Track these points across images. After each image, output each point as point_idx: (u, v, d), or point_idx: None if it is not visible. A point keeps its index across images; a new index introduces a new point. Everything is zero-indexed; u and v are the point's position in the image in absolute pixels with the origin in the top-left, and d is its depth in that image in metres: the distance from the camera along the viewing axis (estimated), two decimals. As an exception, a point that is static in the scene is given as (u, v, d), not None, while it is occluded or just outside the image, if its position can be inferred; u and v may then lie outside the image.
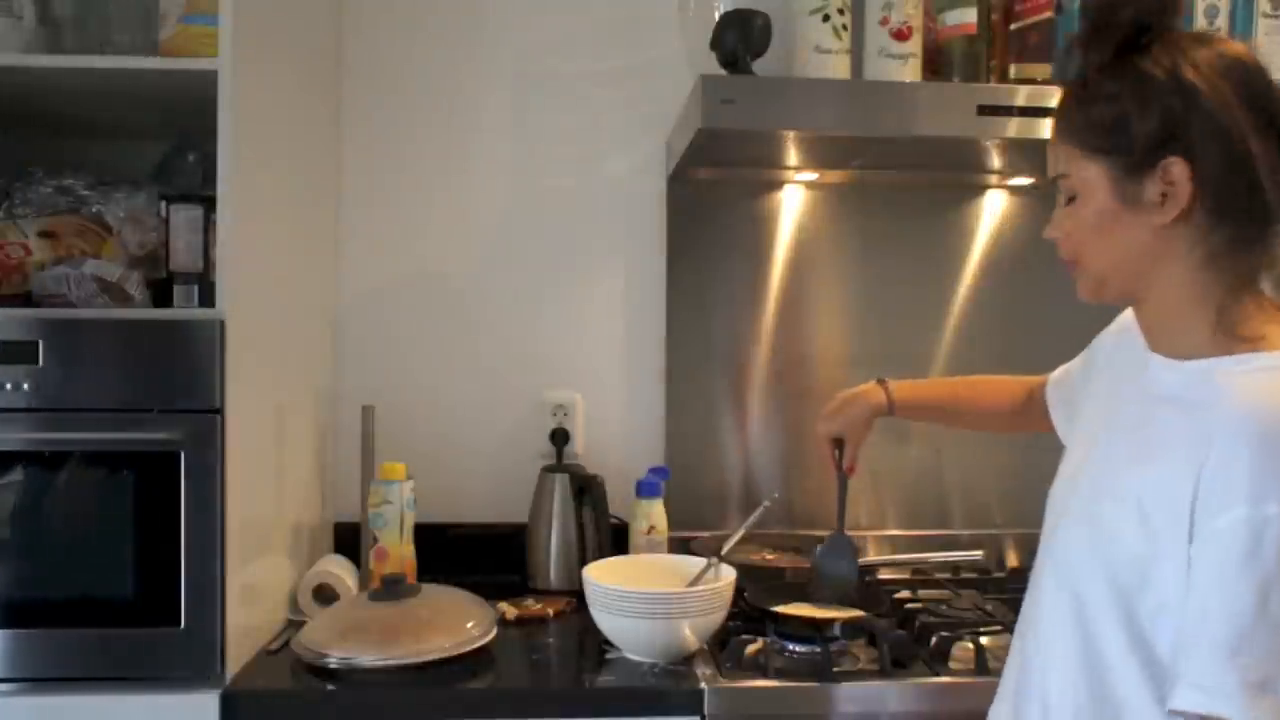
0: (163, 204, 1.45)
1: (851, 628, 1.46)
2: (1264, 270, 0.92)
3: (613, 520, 1.80)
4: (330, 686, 1.38)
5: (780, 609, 1.51)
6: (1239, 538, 0.80)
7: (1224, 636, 0.80)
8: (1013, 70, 1.66)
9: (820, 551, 1.56)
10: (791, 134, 1.59)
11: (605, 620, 1.47)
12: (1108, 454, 0.98)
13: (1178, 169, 0.88)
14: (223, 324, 1.33)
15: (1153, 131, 0.89)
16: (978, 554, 1.84)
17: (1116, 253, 0.94)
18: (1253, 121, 0.88)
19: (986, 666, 1.39)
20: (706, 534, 1.84)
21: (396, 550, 1.69)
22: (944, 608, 1.63)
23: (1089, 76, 0.93)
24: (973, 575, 1.82)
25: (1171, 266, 0.92)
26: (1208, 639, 0.81)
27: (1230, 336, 0.90)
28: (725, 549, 1.55)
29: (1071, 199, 0.96)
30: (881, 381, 1.43)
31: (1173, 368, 0.94)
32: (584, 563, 1.65)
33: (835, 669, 1.40)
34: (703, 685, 1.37)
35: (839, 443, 1.45)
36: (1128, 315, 1.05)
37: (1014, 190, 1.96)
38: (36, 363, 1.31)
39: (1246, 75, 0.89)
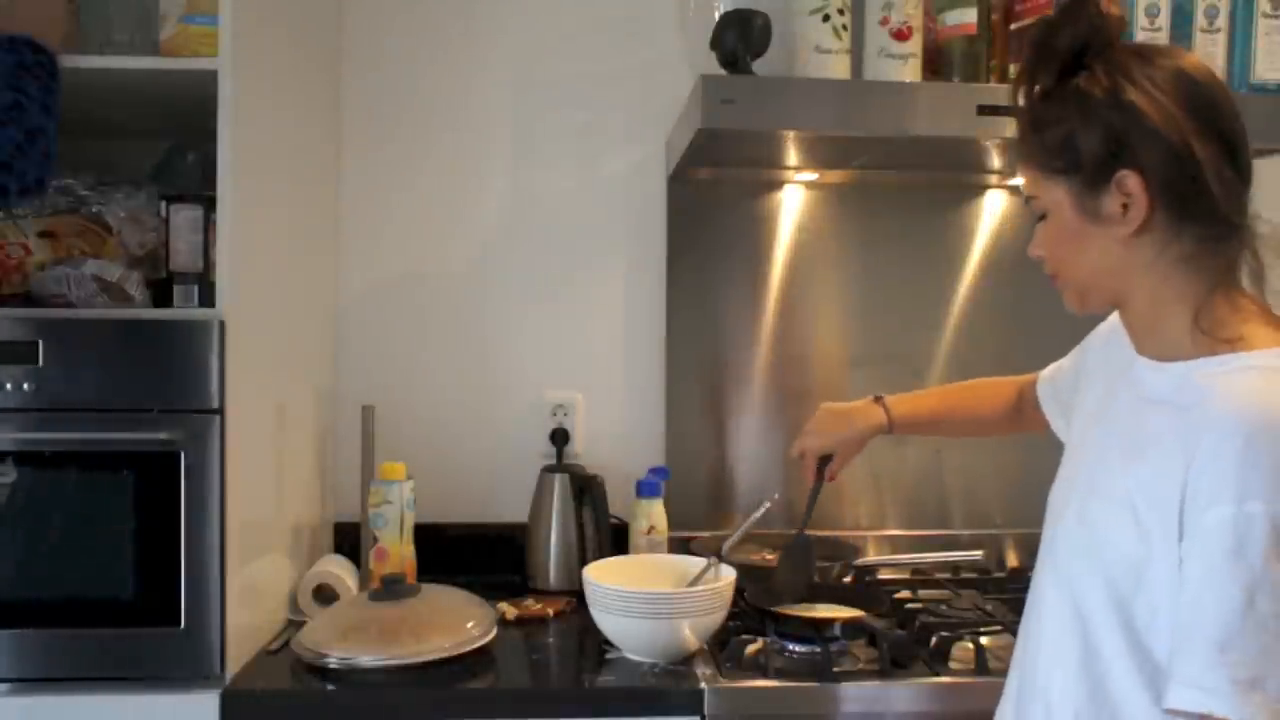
0: (163, 204, 1.45)
1: (851, 628, 1.46)
2: (1240, 266, 0.94)
3: (613, 520, 1.80)
4: (330, 686, 1.38)
5: (780, 609, 1.51)
6: (1225, 536, 0.81)
7: (1213, 634, 0.81)
8: (1013, 70, 1.66)
9: (781, 554, 1.58)
10: (791, 134, 1.59)
11: (605, 620, 1.47)
12: (1101, 456, 0.99)
13: (1131, 181, 0.91)
14: (223, 324, 1.34)
15: (1098, 148, 0.92)
16: (978, 554, 1.84)
17: (1091, 265, 0.97)
18: (1195, 127, 0.90)
19: (986, 666, 1.40)
20: (706, 534, 1.84)
21: (396, 550, 1.69)
22: (944, 608, 1.64)
23: (1037, 102, 0.97)
24: (973, 575, 1.82)
25: (1144, 272, 0.94)
26: (1198, 637, 0.82)
27: (1209, 337, 0.91)
28: (725, 549, 1.55)
29: (1043, 217, 0.99)
30: (879, 399, 1.43)
31: (1157, 369, 0.96)
32: (584, 563, 1.65)
33: (835, 669, 1.40)
34: (703, 685, 1.37)
35: (824, 457, 1.44)
36: (1116, 316, 1.06)
37: (1014, 190, 1.96)
38: (36, 363, 1.31)
39: (1189, 85, 0.91)
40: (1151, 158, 0.90)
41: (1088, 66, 0.94)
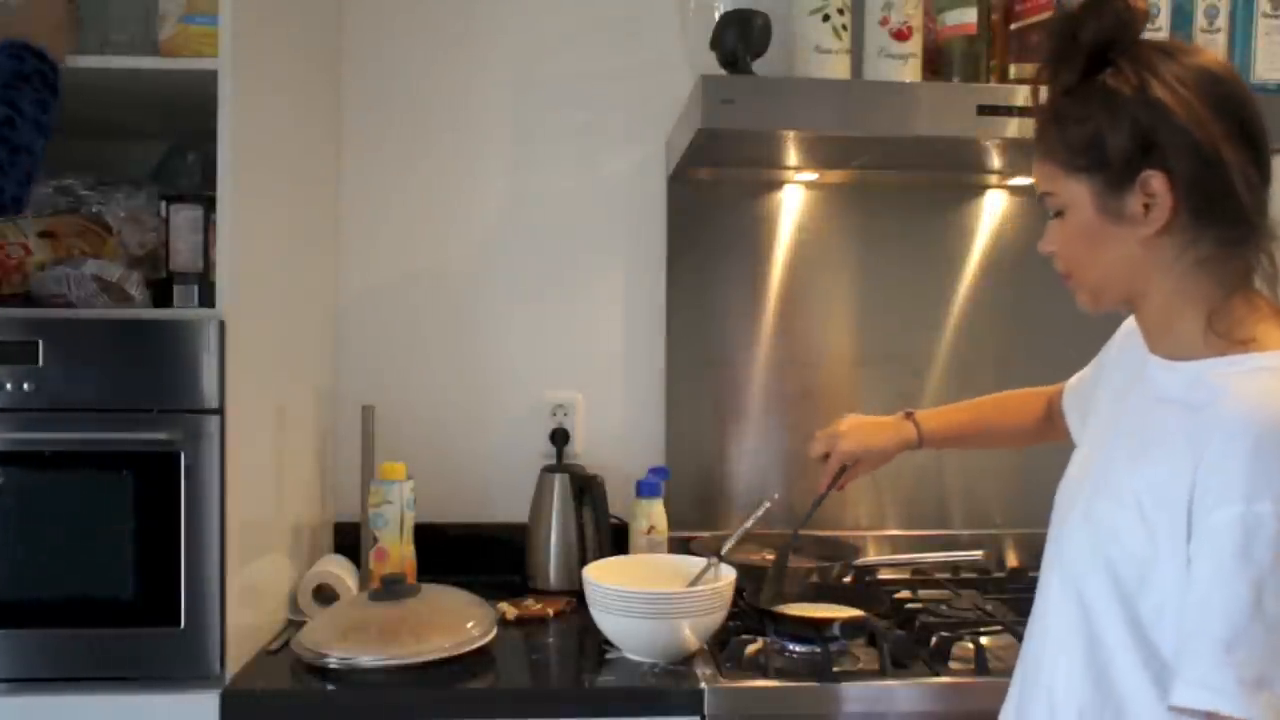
0: (163, 204, 1.45)
1: (851, 628, 1.46)
2: (1256, 268, 0.93)
3: (613, 520, 1.80)
4: (330, 686, 1.38)
5: (780, 609, 1.51)
6: (1233, 536, 0.81)
7: (1220, 633, 0.81)
8: (1013, 70, 1.66)
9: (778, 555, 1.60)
10: (791, 134, 1.59)
11: (605, 620, 1.47)
12: (1110, 455, 0.99)
13: (1157, 182, 0.90)
14: (223, 324, 1.34)
15: (1126, 147, 0.91)
16: (978, 554, 1.84)
17: (1108, 265, 0.96)
18: (1223, 129, 0.89)
19: (986, 666, 1.40)
20: (706, 534, 1.84)
21: (396, 550, 1.69)
22: (944, 608, 1.64)
23: (1060, 99, 0.96)
24: (973, 575, 1.82)
25: (1162, 273, 0.94)
26: (1205, 636, 0.82)
27: (1222, 338, 0.91)
28: (725, 549, 1.55)
29: (1059, 214, 0.98)
30: (909, 414, 1.42)
31: (1169, 369, 0.96)
32: (584, 563, 1.65)
33: (835, 669, 1.40)
34: (703, 685, 1.37)
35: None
36: (1134, 320, 1.06)
37: (1014, 190, 1.96)
38: (36, 363, 1.31)
39: (1215, 84, 0.91)
40: (1179, 158, 0.90)
41: (1113, 63, 0.92)
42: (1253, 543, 0.80)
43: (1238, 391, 0.87)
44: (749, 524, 1.55)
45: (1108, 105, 0.92)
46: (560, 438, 1.90)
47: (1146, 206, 0.91)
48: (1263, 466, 0.81)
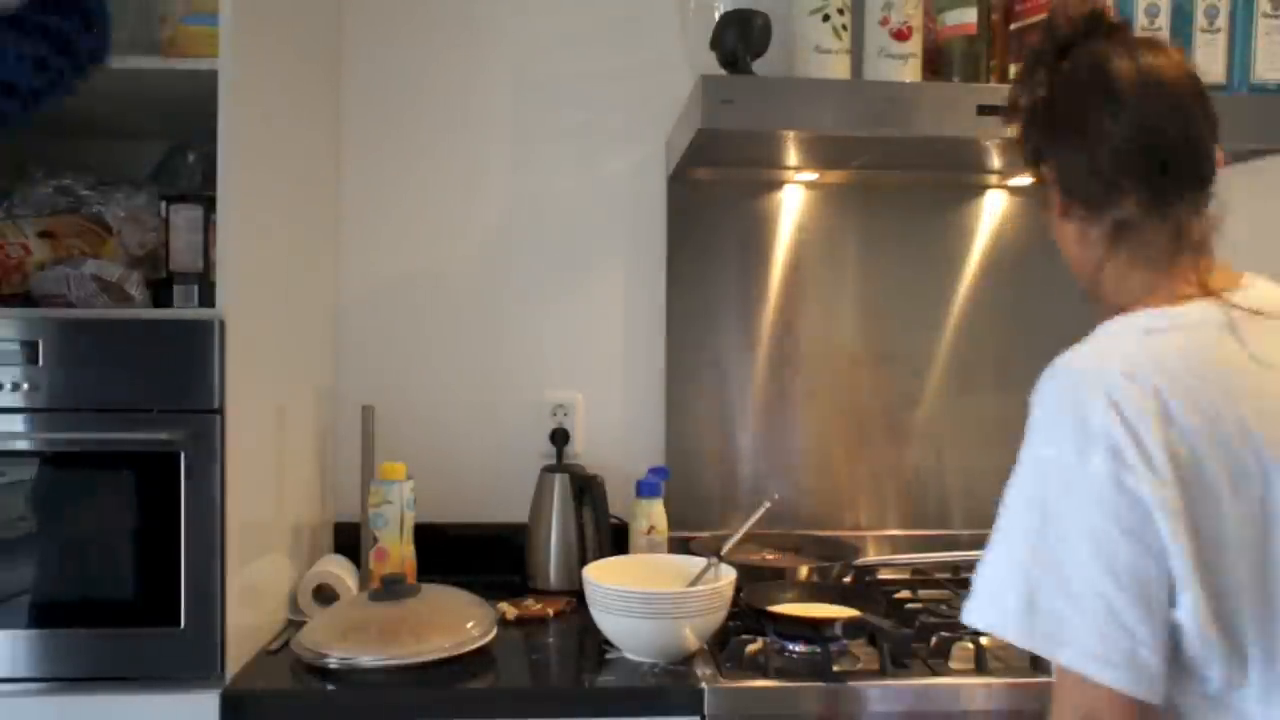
0: (163, 204, 1.45)
1: (851, 628, 1.46)
2: (1173, 247, 0.96)
3: (613, 520, 1.80)
4: (330, 686, 1.38)
5: (775, 609, 1.51)
6: (1025, 477, 0.96)
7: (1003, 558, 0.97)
8: (1013, 70, 1.66)
9: None
10: (791, 134, 1.59)
11: (605, 620, 1.47)
12: None
13: (1045, 168, 1.02)
14: (223, 324, 1.34)
15: (1031, 146, 1.03)
16: (978, 554, 1.84)
17: (1067, 252, 1.05)
18: (1099, 114, 0.95)
19: (986, 666, 1.39)
20: (706, 534, 1.84)
21: (396, 550, 1.70)
22: (944, 608, 1.64)
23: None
24: (972, 575, 1.81)
25: (1098, 258, 1.00)
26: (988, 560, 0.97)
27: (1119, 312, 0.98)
28: (725, 549, 1.55)
29: None
30: None
31: None
32: (584, 563, 1.65)
33: (835, 669, 1.40)
34: (703, 685, 1.37)
35: None
36: None
37: (1014, 190, 1.96)
38: (36, 363, 1.31)
39: (1104, 78, 0.95)
40: (1054, 143, 0.99)
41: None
42: (1040, 483, 0.94)
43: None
44: (749, 524, 1.55)
45: (1030, 106, 1.01)
46: (560, 438, 1.90)
47: (1049, 195, 1.01)
48: (1041, 417, 0.92)
